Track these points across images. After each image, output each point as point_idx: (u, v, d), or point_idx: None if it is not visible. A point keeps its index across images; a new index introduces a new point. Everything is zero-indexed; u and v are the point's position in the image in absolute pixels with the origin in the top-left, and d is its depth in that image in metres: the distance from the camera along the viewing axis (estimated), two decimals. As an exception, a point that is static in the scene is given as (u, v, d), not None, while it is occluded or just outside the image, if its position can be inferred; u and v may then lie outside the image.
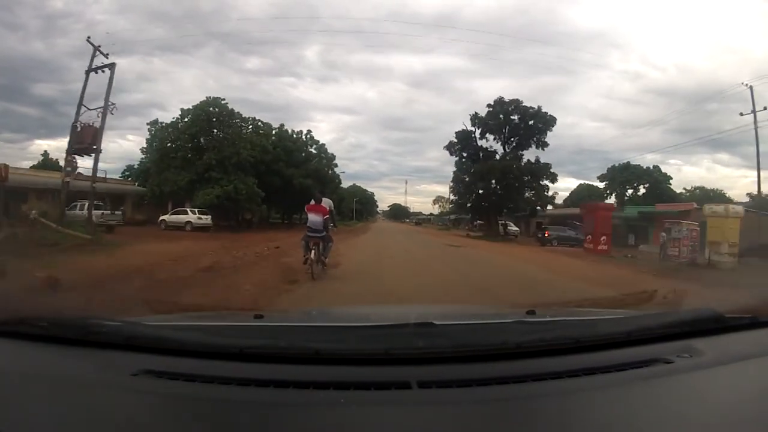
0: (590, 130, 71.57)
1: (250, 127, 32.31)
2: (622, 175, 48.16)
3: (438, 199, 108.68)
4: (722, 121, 61.63)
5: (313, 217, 8.33)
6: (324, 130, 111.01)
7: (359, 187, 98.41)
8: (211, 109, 29.60)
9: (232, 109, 29.94)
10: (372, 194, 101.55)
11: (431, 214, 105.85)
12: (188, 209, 27.44)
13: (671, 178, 48.79)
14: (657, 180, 47.68)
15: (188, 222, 26.43)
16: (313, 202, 8.61)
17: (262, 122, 32.92)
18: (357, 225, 67.30)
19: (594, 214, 22.17)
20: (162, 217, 28.13)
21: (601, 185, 50.11)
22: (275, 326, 1.60)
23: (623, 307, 2.97)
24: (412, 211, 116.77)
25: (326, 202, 8.73)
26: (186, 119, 29.44)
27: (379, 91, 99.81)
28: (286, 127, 35.99)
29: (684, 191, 50.98)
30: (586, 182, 52.71)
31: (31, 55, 48.47)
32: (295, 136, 36.00)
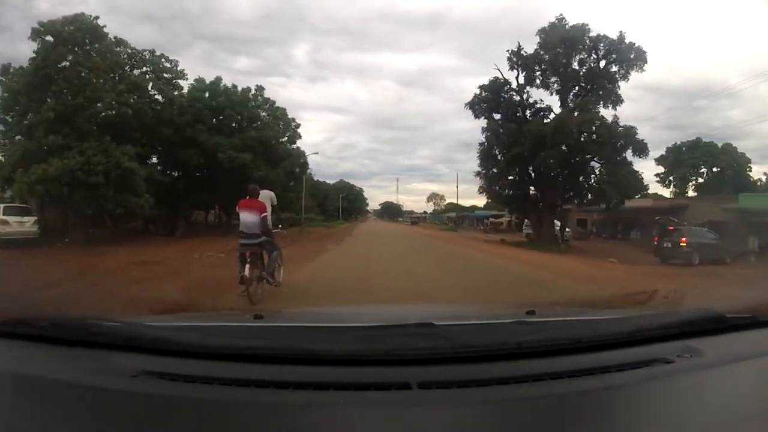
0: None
1: (148, 69, 19.14)
2: (692, 155, 36.10)
3: (432, 197, 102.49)
4: (711, 118, 58.78)
5: (247, 217, 5.99)
6: (314, 130, 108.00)
7: (346, 182, 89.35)
8: (67, 29, 16.48)
9: (98, 26, 16.78)
10: (361, 190, 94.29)
11: (425, 212, 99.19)
12: (-6, 204, 14.42)
13: (750, 160, 36.89)
14: (736, 162, 35.65)
15: (-16, 229, 13.39)
16: (250, 197, 6.25)
17: (169, 60, 19.69)
18: (341, 226, 55.00)
19: None
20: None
21: (660, 170, 37.90)
22: (275, 327, 1.57)
23: (623, 307, 2.74)
24: (404, 209, 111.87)
25: (266, 196, 6.49)
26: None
27: (369, 91, 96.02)
28: (225, 82, 23.10)
29: (765, 176, 39.07)
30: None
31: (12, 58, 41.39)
32: (239, 91, 23.01)
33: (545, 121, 19.90)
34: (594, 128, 17.33)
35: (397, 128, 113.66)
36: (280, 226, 7.09)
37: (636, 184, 19.10)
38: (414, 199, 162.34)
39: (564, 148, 18.07)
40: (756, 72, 58.91)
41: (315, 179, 66.26)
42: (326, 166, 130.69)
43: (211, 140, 18.73)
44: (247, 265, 5.69)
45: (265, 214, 6.04)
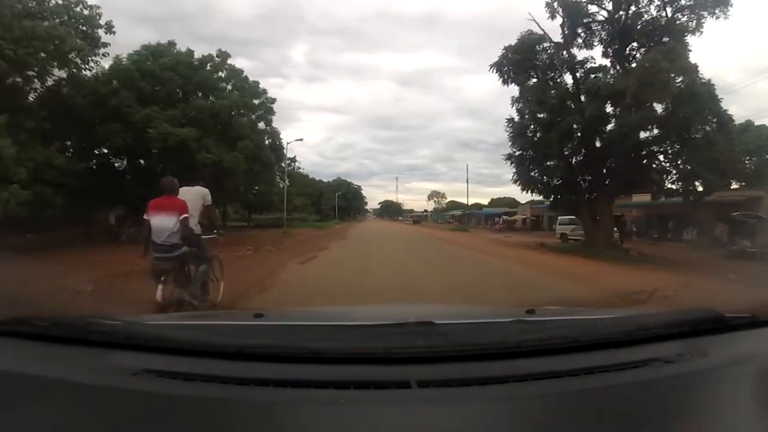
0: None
1: (60, 19, 13.83)
2: (742, 140, 30.85)
3: (433, 195, 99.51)
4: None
5: (160, 223, 4.62)
6: (313, 130, 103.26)
7: (344, 180, 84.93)
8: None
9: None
10: (359, 188, 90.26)
11: (426, 211, 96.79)
12: None
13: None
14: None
15: None
16: (166, 194, 4.82)
17: (88, 6, 14.35)
18: (336, 226, 49.77)
19: None
20: None
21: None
22: (275, 325, 1.54)
23: (623, 306, 2.54)
24: (404, 208, 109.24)
25: (196, 193, 5.13)
26: None
27: (367, 90, 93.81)
28: (179, 47, 17.85)
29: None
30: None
31: None
32: (199, 57, 17.71)
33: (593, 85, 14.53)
34: (688, 84, 11.87)
35: (396, 128, 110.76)
36: (215, 231, 5.69)
37: (737, 168, 13.78)
38: (414, 197, 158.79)
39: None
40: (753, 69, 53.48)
41: (310, 177, 61.35)
42: (325, 167, 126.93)
43: (140, 112, 13.43)
44: (160, 286, 4.52)
45: (185, 215, 4.62)
